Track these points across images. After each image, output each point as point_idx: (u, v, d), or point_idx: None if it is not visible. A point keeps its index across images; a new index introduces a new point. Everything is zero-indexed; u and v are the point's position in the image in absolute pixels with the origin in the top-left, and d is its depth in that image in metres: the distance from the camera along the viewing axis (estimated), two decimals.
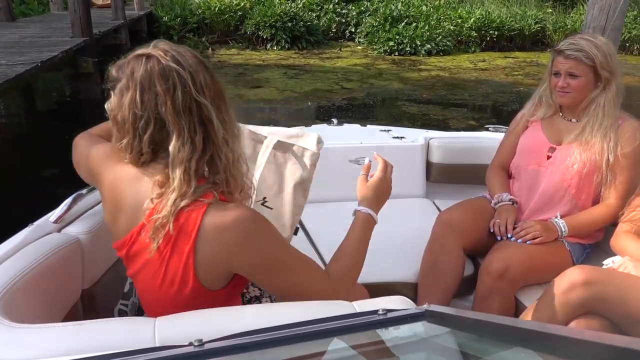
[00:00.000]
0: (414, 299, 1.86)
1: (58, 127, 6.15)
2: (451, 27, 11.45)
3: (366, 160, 1.30)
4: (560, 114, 1.93)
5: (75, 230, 1.39)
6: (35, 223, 1.39)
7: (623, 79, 1.83)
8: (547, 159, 1.90)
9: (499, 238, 1.84)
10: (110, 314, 1.36)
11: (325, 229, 1.78)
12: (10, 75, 3.35)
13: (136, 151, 1.01)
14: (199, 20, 11.55)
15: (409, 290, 1.89)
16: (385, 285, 1.87)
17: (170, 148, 0.97)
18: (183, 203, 0.96)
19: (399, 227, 2.19)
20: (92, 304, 1.39)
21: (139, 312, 1.30)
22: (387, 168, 1.27)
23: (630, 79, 8.91)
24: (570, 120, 1.90)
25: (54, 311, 1.23)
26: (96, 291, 1.41)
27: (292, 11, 11.45)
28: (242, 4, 11.85)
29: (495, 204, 1.96)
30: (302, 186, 1.42)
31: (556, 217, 1.83)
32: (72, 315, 1.29)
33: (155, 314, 0.96)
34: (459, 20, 11.62)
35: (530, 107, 2.03)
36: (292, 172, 1.41)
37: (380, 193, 1.24)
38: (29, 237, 1.30)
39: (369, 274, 1.85)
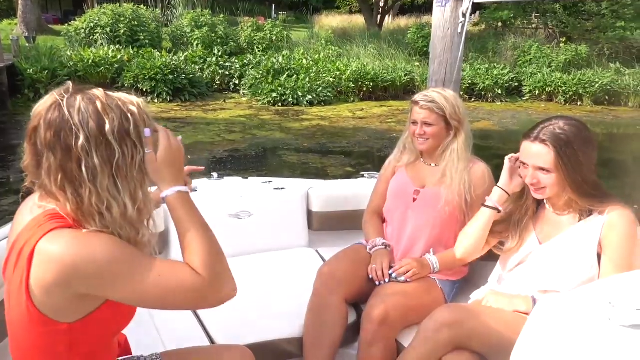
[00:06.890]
0: (301, 354, 1.82)
1: None
2: (330, 78, 12.08)
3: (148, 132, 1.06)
4: (422, 160, 2.08)
5: None
6: None
7: (471, 126, 2.03)
8: (413, 201, 2.02)
9: (377, 283, 1.88)
10: None
11: None
12: None
13: None
14: (71, 72, 10.90)
15: (295, 346, 1.84)
16: (271, 344, 1.81)
17: None
18: None
19: (282, 280, 2.16)
20: None
21: None
22: (168, 133, 1.11)
23: (486, 124, 9.73)
24: (430, 165, 2.05)
25: None
26: None
27: (174, 64, 11.29)
28: (119, 57, 11.47)
29: (370, 249, 2.02)
30: None
31: (429, 254, 1.93)
32: None
33: None
34: (338, 73, 12.32)
35: (396, 153, 2.15)
36: None
37: (173, 160, 1.10)
38: None
39: (252, 333, 1.79)
